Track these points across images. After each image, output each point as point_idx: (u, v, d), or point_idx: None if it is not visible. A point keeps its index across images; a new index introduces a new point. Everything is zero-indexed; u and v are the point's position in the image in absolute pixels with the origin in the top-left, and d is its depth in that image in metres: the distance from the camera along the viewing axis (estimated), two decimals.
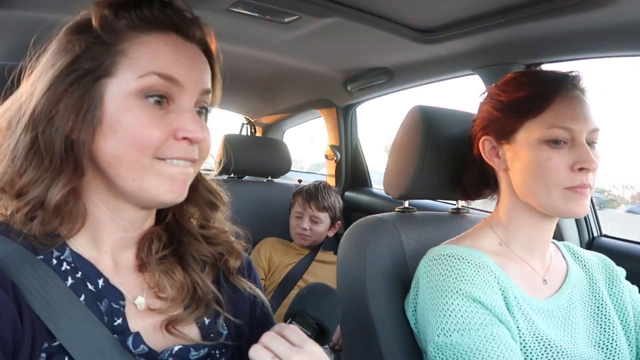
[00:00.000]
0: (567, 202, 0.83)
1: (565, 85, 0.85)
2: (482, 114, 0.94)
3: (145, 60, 0.57)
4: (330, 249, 2.03)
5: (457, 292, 0.80)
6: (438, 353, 0.78)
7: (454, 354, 0.76)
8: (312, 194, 1.99)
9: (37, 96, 0.56)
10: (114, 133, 0.56)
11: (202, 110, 0.64)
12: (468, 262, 0.83)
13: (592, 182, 0.84)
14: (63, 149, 0.57)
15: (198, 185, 0.70)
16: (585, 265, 0.98)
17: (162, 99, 0.58)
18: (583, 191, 0.82)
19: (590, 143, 0.84)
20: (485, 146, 0.92)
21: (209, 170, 0.76)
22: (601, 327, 0.90)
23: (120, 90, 0.57)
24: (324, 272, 1.92)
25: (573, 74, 0.88)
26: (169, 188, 0.59)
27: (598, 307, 0.93)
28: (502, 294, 0.83)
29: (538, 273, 0.91)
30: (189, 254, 0.69)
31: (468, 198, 1.06)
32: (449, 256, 0.84)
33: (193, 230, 0.70)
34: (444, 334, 0.78)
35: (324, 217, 1.98)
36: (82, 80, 0.56)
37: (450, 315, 0.78)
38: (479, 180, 0.99)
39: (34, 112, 0.56)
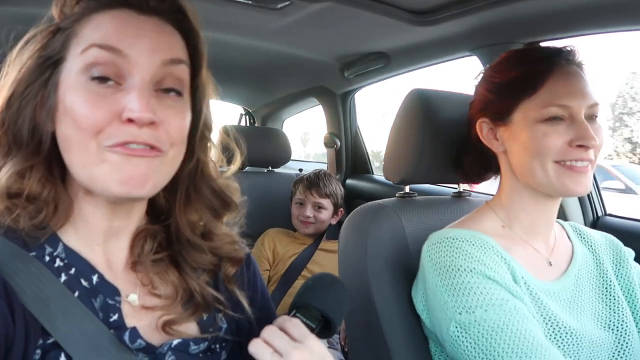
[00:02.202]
0: (563, 180, 0.81)
1: (559, 61, 0.83)
2: (478, 96, 0.93)
3: (88, 34, 0.56)
4: (334, 237, 2.01)
5: (470, 270, 0.79)
6: (461, 331, 0.77)
7: (478, 331, 0.75)
8: (313, 181, 1.98)
9: (5, 91, 0.57)
10: (65, 116, 0.55)
11: (171, 90, 0.58)
12: (473, 244, 0.82)
13: (593, 159, 0.82)
14: (30, 136, 0.57)
15: (202, 186, 0.67)
16: (591, 246, 0.97)
17: (108, 77, 0.54)
18: (581, 168, 0.81)
19: (590, 118, 0.82)
20: (482, 129, 0.91)
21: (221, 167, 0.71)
22: (610, 308, 0.89)
23: (70, 71, 0.56)
24: (328, 261, 1.92)
25: (567, 48, 0.86)
26: (120, 179, 0.54)
27: (606, 287, 0.91)
28: (511, 275, 0.82)
29: (542, 255, 0.90)
30: (186, 261, 0.66)
31: (470, 182, 1.05)
32: (453, 239, 0.83)
33: (193, 239, 0.67)
34: (466, 311, 0.76)
35: (327, 203, 1.98)
36: (43, 67, 0.56)
37: (469, 293, 0.77)
38: (480, 164, 0.98)
39: (2, 106, 0.56)
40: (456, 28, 1.35)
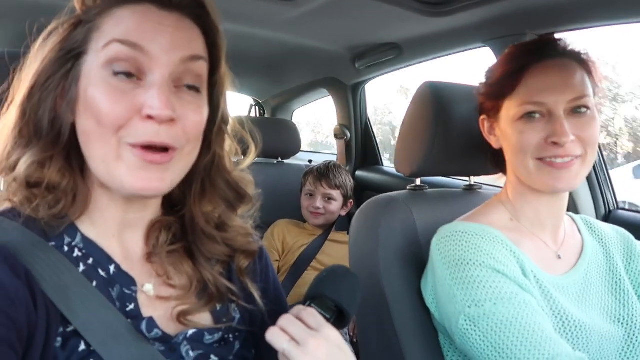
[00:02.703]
0: (542, 176, 0.81)
1: (540, 56, 0.82)
2: (477, 94, 0.95)
3: (109, 29, 0.56)
4: (343, 229, 2.02)
5: (480, 264, 0.79)
6: (470, 325, 0.77)
7: (487, 324, 0.75)
8: (323, 173, 1.98)
9: (27, 82, 0.57)
10: (85, 110, 0.56)
11: (193, 87, 0.59)
12: (482, 238, 0.82)
13: (580, 153, 0.80)
14: (50, 128, 0.57)
15: (217, 179, 0.67)
16: (602, 240, 0.96)
17: (129, 73, 0.55)
18: (561, 164, 0.80)
19: (573, 112, 0.80)
20: (484, 125, 0.93)
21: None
22: (620, 303, 0.89)
23: (92, 65, 0.56)
24: (337, 252, 1.92)
25: (553, 40, 0.84)
26: (137, 179, 0.55)
27: (616, 282, 0.91)
28: (520, 268, 0.82)
29: (551, 248, 0.89)
30: (200, 252, 0.67)
31: (485, 173, 1.06)
32: (462, 232, 0.84)
33: (207, 230, 0.68)
34: (475, 305, 0.77)
35: (337, 195, 1.97)
36: (64, 60, 0.57)
37: (479, 287, 0.77)
38: (491, 158, 0.98)
39: (24, 97, 0.57)
40: (469, 19, 1.34)
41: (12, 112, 0.58)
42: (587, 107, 0.81)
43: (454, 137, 1.01)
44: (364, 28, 1.61)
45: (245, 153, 0.72)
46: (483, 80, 0.94)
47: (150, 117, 0.54)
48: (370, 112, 2.37)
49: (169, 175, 0.57)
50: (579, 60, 0.83)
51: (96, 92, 0.55)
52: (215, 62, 0.63)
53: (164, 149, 0.56)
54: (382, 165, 2.34)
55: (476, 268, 0.79)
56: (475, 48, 1.52)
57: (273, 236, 1.98)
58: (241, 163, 0.71)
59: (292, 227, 2.02)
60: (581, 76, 0.81)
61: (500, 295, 0.76)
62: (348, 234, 1.89)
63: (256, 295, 0.69)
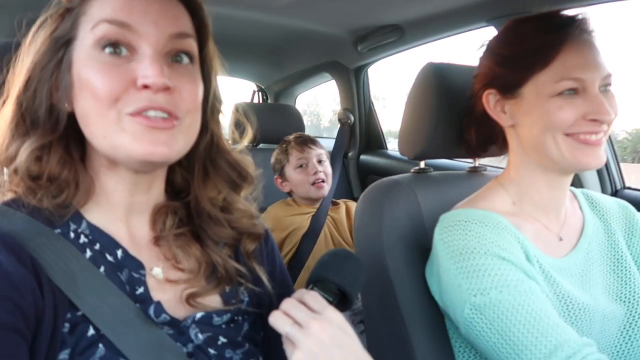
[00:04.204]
0: (575, 153, 0.79)
1: (572, 32, 0.80)
2: (484, 69, 0.89)
3: (96, 12, 0.56)
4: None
5: (484, 252, 0.78)
6: (476, 313, 0.76)
7: (493, 312, 0.75)
8: (302, 138, 1.82)
9: (22, 76, 0.58)
10: (81, 91, 0.57)
11: (178, 58, 0.59)
12: (486, 225, 0.81)
13: (607, 129, 0.80)
14: (47, 117, 0.58)
15: (218, 160, 0.68)
16: (603, 215, 0.95)
17: (119, 48, 0.56)
18: (595, 141, 0.79)
19: (604, 88, 0.80)
20: (489, 101, 0.87)
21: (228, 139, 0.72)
22: (621, 280, 0.89)
23: (82, 49, 0.57)
24: (344, 222, 1.81)
25: (579, 17, 0.82)
26: (143, 144, 0.55)
27: (617, 259, 0.90)
28: (524, 254, 0.82)
29: (552, 231, 0.88)
30: (208, 235, 0.68)
31: (475, 155, 1.04)
32: (465, 221, 0.82)
33: (213, 212, 0.68)
34: (481, 293, 0.76)
35: (326, 156, 1.83)
36: (55, 48, 0.58)
37: (484, 275, 0.77)
38: (485, 138, 0.95)
39: (20, 90, 0.58)
40: None
41: (9, 107, 0.59)
42: (611, 85, 0.81)
43: (458, 119, 1.00)
44: (365, 10, 1.59)
45: (252, 140, 0.74)
46: (488, 54, 0.89)
47: (145, 87, 0.55)
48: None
49: (173, 142, 0.57)
50: (596, 39, 0.82)
51: (89, 70, 0.56)
52: (203, 40, 0.64)
53: (164, 116, 0.56)
54: (387, 149, 2.33)
55: (481, 257, 0.78)
56: (479, 28, 1.50)
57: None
58: (239, 145, 0.72)
59: (282, 213, 1.81)
60: (603, 54, 0.80)
61: (505, 282, 0.76)
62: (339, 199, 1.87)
63: (264, 278, 0.70)
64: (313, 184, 1.74)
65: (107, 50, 0.56)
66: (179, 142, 0.58)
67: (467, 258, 0.79)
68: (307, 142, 1.80)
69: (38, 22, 0.60)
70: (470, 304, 0.77)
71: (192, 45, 0.61)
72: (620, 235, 0.93)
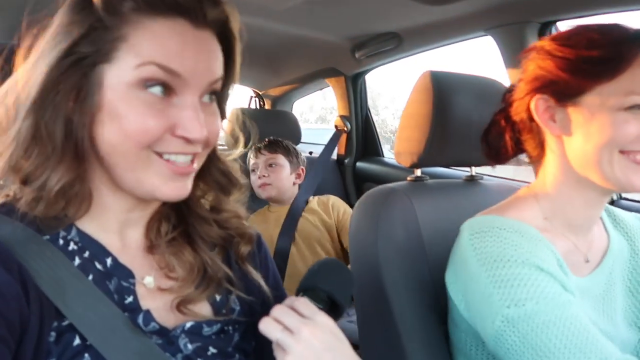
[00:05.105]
0: (627, 172, 0.74)
1: None
2: (537, 71, 0.81)
3: (145, 47, 0.53)
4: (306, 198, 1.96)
5: (522, 262, 0.74)
6: (508, 326, 0.71)
7: (528, 325, 0.70)
8: (261, 145, 1.94)
9: (36, 81, 0.54)
10: (111, 121, 0.54)
11: (211, 97, 0.60)
12: (522, 235, 0.77)
13: None
14: (64, 135, 0.55)
15: (210, 166, 0.68)
16: (627, 233, 0.91)
17: (163, 89, 0.55)
18: None
19: None
20: (539, 106, 0.80)
21: (222, 144, 0.73)
22: (639, 304, 0.85)
23: (119, 79, 0.54)
24: (310, 224, 1.86)
25: None
26: (168, 189, 0.57)
27: (638, 281, 0.87)
28: (560, 268, 0.77)
29: (581, 251, 0.84)
30: (198, 235, 0.68)
31: (494, 162, 0.94)
32: (500, 229, 0.78)
33: (202, 212, 0.69)
34: (515, 305, 0.71)
35: (281, 160, 1.91)
36: (80, 64, 0.53)
37: (519, 285, 0.72)
38: (511, 144, 0.89)
39: (34, 97, 0.54)
40: (470, 7, 1.32)
41: (20, 113, 0.54)
42: None
43: (455, 127, 1.00)
44: (363, 17, 1.59)
45: (245, 144, 0.74)
46: (551, 54, 0.81)
47: (182, 138, 0.56)
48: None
49: (190, 182, 0.61)
50: None
51: (128, 108, 0.53)
52: (229, 77, 0.64)
53: (190, 163, 0.59)
54: (383, 156, 2.33)
55: (517, 266, 0.73)
56: (477, 37, 1.50)
57: None
58: (232, 153, 0.72)
59: (255, 218, 1.93)
60: None
61: (542, 294, 0.71)
62: (314, 196, 1.91)
63: (261, 282, 0.70)
64: (259, 186, 1.90)
65: (150, 90, 0.54)
66: (192, 179, 0.61)
67: (502, 267, 0.74)
68: (263, 148, 1.94)
69: (55, 27, 0.55)
70: (502, 315, 0.72)
71: (219, 85, 0.61)
72: None
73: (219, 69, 0.59)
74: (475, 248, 0.77)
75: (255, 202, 1.93)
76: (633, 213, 0.98)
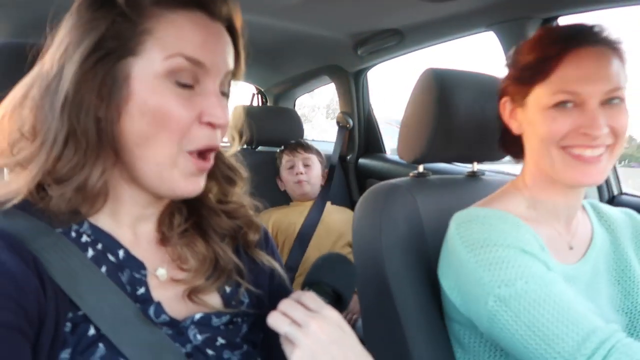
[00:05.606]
0: (567, 168, 0.79)
1: (578, 43, 0.78)
2: (503, 77, 0.90)
3: (172, 40, 0.56)
4: (340, 203, 2.08)
5: (507, 245, 0.78)
6: (501, 305, 0.75)
7: (519, 303, 0.73)
8: (296, 143, 2.08)
9: (67, 80, 0.54)
10: (141, 114, 0.55)
11: (224, 93, 0.63)
12: (505, 222, 0.81)
13: (611, 142, 0.78)
14: (96, 132, 0.56)
15: (217, 161, 0.69)
16: (610, 226, 0.95)
17: (189, 80, 0.57)
18: (589, 158, 0.77)
19: (607, 103, 0.77)
20: (505, 108, 0.89)
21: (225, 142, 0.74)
22: (625, 292, 0.88)
23: (147, 71, 0.55)
24: (337, 220, 1.96)
25: (590, 27, 0.80)
26: (188, 184, 0.60)
27: (622, 270, 0.90)
28: (542, 251, 0.81)
29: (564, 238, 0.88)
30: (210, 226, 0.69)
31: (489, 159, 1.04)
32: (484, 216, 0.82)
33: (211, 204, 0.70)
34: (505, 285, 0.75)
35: (314, 160, 2.05)
36: (106, 58, 0.55)
37: (507, 267, 0.76)
38: (504, 141, 0.95)
39: (66, 96, 0.54)
40: (473, 3, 1.32)
41: (54, 113, 0.55)
42: (621, 98, 0.78)
43: (457, 123, 1.01)
44: (365, 14, 1.60)
45: (250, 142, 0.76)
46: (507, 62, 0.89)
47: (209, 124, 0.58)
48: None
49: (205, 176, 0.64)
50: (614, 49, 0.79)
51: (161, 99, 0.56)
52: (235, 72, 0.65)
53: (211, 160, 0.62)
54: (385, 152, 2.34)
55: (504, 249, 0.77)
56: (479, 33, 1.51)
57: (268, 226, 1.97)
58: (231, 149, 0.73)
59: (278, 211, 2.01)
60: (616, 66, 0.78)
61: (530, 273, 0.75)
62: (332, 203, 1.98)
63: (274, 264, 0.74)
64: (296, 182, 2.01)
65: (178, 81, 0.56)
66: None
67: (489, 251, 0.78)
68: (297, 147, 2.07)
69: (69, 30, 0.55)
70: (494, 295, 0.75)
71: (231, 77, 0.64)
72: (629, 244, 0.93)
73: (232, 61, 0.63)
74: (462, 236, 0.82)
75: (271, 204, 2.00)
76: (620, 207, 1.01)
